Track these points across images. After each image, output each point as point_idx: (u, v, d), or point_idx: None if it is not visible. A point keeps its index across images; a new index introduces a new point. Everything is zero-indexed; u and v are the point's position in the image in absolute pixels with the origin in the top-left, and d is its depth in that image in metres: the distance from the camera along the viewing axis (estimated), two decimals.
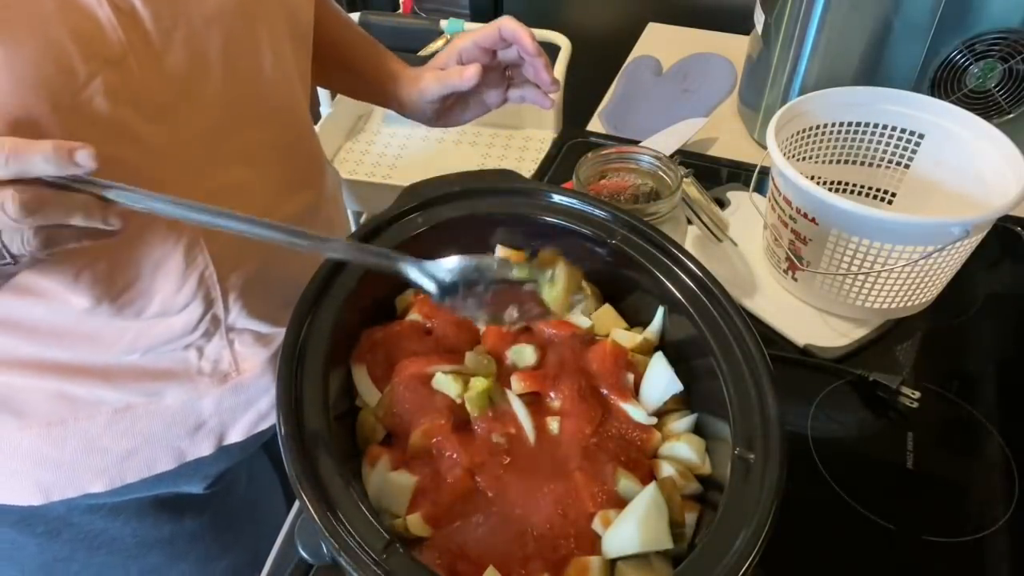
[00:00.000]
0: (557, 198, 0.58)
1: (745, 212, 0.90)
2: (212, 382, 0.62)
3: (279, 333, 0.63)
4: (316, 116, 1.63)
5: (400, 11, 2.23)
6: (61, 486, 0.61)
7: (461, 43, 0.67)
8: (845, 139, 0.85)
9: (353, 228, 0.55)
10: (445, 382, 0.50)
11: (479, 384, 0.50)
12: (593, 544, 0.45)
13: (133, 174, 0.48)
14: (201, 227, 0.51)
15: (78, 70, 0.44)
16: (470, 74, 0.65)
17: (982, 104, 0.92)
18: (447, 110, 0.73)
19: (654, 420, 0.51)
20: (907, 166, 0.84)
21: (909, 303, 0.77)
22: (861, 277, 0.73)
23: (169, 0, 0.48)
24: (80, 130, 0.45)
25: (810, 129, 0.84)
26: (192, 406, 0.62)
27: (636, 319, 0.58)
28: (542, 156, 1.05)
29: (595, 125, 1.15)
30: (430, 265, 0.46)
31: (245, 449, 0.69)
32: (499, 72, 0.70)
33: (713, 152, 1.07)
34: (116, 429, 0.60)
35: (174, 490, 0.67)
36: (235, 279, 0.57)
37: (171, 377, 0.60)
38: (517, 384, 0.51)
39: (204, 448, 0.64)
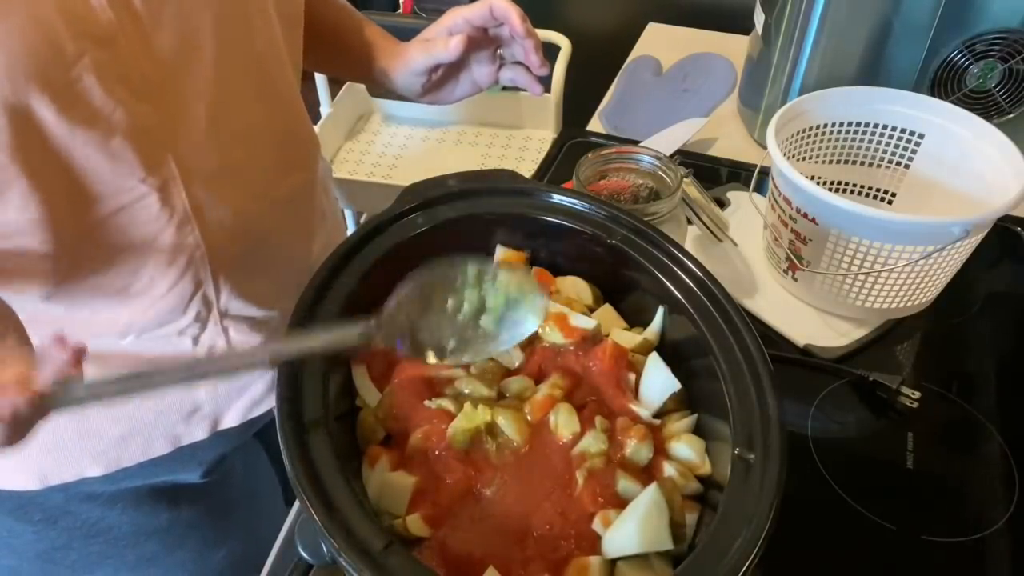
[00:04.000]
0: (557, 198, 0.58)
1: (745, 212, 0.90)
2: None
3: (272, 317, 0.63)
4: (316, 116, 1.63)
5: (400, 11, 2.23)
6: (58, 470, 0.61)
7: (451, 19, 0.67)
8: (845, 139, 0.85)
9: (352, 227, 0.55)
10: (444, 405, 0.50)
11: (465, 422, 0.48)
12: (593, 544, 0.45)
13: (128, 156, 0.49)
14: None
15: (67, 48, 0.44)
16: (454, 44, 0.65)
17: (982, 104, 0.92)
18: (436, 85, 0.73)
19: (657, 422, 0.51)
20: (907, 166, 0.84)
21: (909, 303, 0.77)
22: (861, 277, 0.73)
23: None
24: (72, 110, 0.45)
25: (810, 129, 0.83)
26: (187, 391, 0.62)
27: (636, 319, 0.58)
28: (542, 156, 1.05)
29: (595, 125, 1.15)
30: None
31: (241, 435, 0.69)
32: (490, 50, 0.70)
33: (713, 152, 1.07)
34: (111, 414, 0.60)
35: (171, 478, 0.68)
36: (225, 259, 0.58)
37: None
38: (527, 415, 0.50)
39: (199, 433, 0.65)
